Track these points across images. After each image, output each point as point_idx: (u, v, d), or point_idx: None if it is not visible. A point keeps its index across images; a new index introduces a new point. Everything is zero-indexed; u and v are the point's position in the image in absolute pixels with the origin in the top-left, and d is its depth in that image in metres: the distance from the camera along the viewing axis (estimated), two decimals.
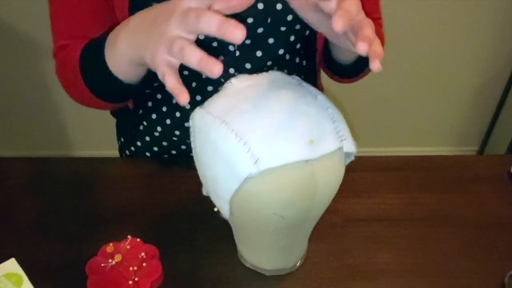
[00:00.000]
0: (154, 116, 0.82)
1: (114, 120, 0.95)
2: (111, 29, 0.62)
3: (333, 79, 0.86)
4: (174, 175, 0.79)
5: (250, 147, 0.47)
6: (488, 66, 1.74)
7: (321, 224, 0.62)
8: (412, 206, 0.75)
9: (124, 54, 0.57)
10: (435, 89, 1.79)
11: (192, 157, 0.57)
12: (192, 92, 0.76)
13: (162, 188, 0.77)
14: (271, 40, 0.72)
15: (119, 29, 0.58)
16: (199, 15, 0.44)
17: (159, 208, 0.74)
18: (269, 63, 0.75)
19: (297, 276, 0.65)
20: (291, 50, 0.76)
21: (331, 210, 0.62)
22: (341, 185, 0.55)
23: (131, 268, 0.62)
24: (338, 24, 0.43)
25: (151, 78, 0.64)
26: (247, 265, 0.66)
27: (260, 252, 0.63)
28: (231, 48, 0.71)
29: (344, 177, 0.55)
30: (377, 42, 0.47)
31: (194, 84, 0.76)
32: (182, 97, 0.45)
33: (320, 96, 0.55)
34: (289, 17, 0.70)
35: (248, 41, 0.71)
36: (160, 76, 0.47)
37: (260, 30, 0.70)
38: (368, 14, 0.79)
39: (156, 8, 0.52)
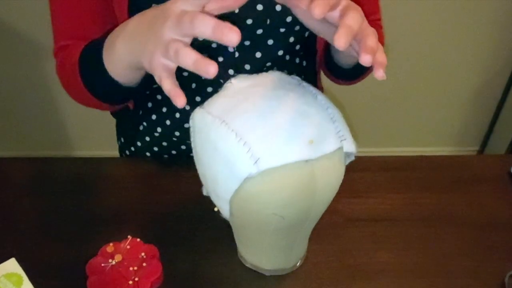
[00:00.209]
0: (154, 116, 0.82)
1: (114, 121, 0.95)
2: (110, 30, 0.62)
3: (330, 79, 0.87)
4: (174, 175, 0.79)
5: (250, 147, 0.47)
6: (488, 66, 1.74)
7: (321, 224, 0.62)
8: (412, 206, 0.75)
9: (123, 59, 0.57)
10: (435, 89, 1.79)
11: (192, 157, 0.57)
12: (192, 93, 0.76)
13: (162, 188, 0.77)
14: (270, 41, 0.72)
15: (117, 32, 0.58)
16: (193, 18, 0.44)
17: (159, 208, 0.74)
18: (268, 64, 0.75)
19: (297, 276, 0.65)
20: (290, 51, 0.76)
21: (331, 210, 0.62)
22: (341, 185, 0.55)
23: (131, 268, 0.62)
24: (341, 42, 0.44)
25: (149, 81, 0.64)
26: (247, 265, 0.66)
27: (260, 252, 0.63)
28: (230, 49, 0.71)
29: (344, 177, 0.55)
30: (380, 51, 0.47)
31: (193, 85, 0.76)
32: (179, 100, 0.46)
33: (320, 96, 0.55)
34: (289, 19, 0.70)
35: (247, 42, 0.71)
36: (157, 80, 0.48)
37: (259, 31, 0.70)
38: (367, 15, 0.79)
39: (152, 11, 0.53)
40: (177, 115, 0.79)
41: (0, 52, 1.64)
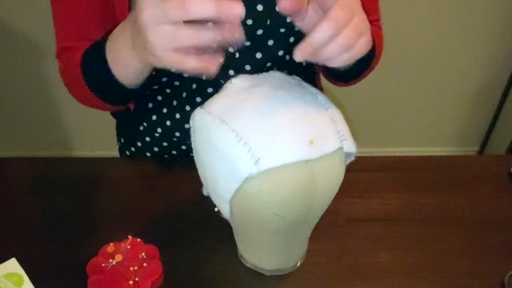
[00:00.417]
0: (154, 117, 0.82)
1: (114, 121, 0.95)
2: (110, 31, 0.62)
3: (328, 81, 0.87)
4: (174, 175, 0.79)
5: (250, 147, 0.48)
6: (488, 67, 1.74)
7: (321, 224, 0.62)
8: (412, 206, 0.75)
9: (130, 65, 0.57)
10: (435, 90, 1.79)
11: (192, 157, 0.57)
12: (192, 94, 0.77)
13: (162, 188, 0.77)
14: (270, 42, 0.72)
15: (117, 37, 0.58)
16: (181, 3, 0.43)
17: (159, 208, 0.74)
18: (268, 64, 0.75)
19: (297, 276, 0.65)
20: (290, 51, 0.76)
21: (332, 210, 0.62)
22: (341, 185, 0.56)
23: (131, 268, 0.62)
24: (297, 55, 0.46)
25: (151, 81, 0.64)
26: (247, 265, 0.66)
27: (260, 252, 0.63)
28: (230, 50, 0.71)
29: (344, 177, 0.55)
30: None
31: (194, 86, 0.76)
32: (213, 65, 0.45)
33: (320, 96, 0.55)
34: (289, 19, 0.70)
35: (247, 43, 0.71)
36: (176, 69, 0.47)
37: (259, 32, 0.70)
38: (367, 16, 0.79)
39: (131, 22, 0.51)
40: (177, 115, 0.79)
41: (0, 52, 1.64)
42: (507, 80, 1.75)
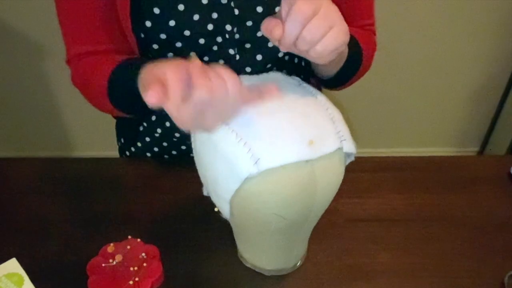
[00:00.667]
0: (153, 117, 0.82)
1: (114, 121, 0.95)
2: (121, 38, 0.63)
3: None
4: (174, 175, 0.79)
5: (250, 148, 0.48)
6: (488, 67, 1.74)
7: (321, 224, 0.62)
8: (412, 206, 0.75)
9: None
10: (435, 90, 1.79)
11: (192, 157, 0.57)
12: None
13: (163, 189, 0.77)
14: (270, 44, 0.72)
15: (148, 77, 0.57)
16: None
17: (159, 208, 0.74)
18: (268, 65, 0.75)
19: (297, 276, 0.65)
20: (290, 52, 0.76)
21: (331, 210, 0.62)
22: (341, 186, 0.56)
23: (131, 268, 0.62)
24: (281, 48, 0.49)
25: None
26: (247, 265, 0.66)
27: (260, 252, 0.63)
28: (231, 51, 0.72)
29: (344, 177, 0.55)
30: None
31: None
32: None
33: (320, 97, 0.55)
34: None
35: (248, 45, 0.71)
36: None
37: (259, 33, 0.70)
38: (360, 20, 0.79)
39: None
40: None
41: (0, 52, 1.64)
42: (507, 81, 1.75)
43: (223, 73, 0.45)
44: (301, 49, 0.50)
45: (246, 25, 0.69)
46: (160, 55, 0.70)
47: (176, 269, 0.65)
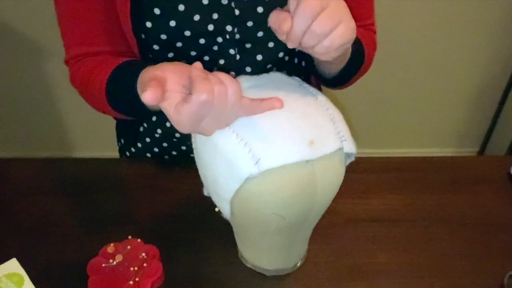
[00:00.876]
0: (154, 118, 0.82)
1: (114, 122, 0.95)
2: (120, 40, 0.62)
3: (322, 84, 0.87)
4: (174, 175, 0.79)
5: (251, 148, 0.48)
6: (488, 67, 1.74)
7: (322, 225, 0.62)
8: (412, 206, 0.75)
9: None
10: (436, 90, 1.79)
11: (192, 157, 0.57)
12: None
13: (163, 189, 0.77)
14: (271, 44, 0.72)
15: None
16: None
17: (159, 208, 0.74)
18: (269, 66, 0.75)
19: (298, 276, 0.65)
20: (290, 52, 0.76)
21: (331, 211, 0.62)
22: (341, 186, 0.56)
23: (131, 269, 0.62)
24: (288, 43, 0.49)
25: None
26: (247, 265, 0.66)
27: (260, 252, 0.63)
28: (231, 51, 0.72)
29: (344, 178, 0.55)
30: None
31: None
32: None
33: (321, 97, 0.55)
34: None
35: (248, 45, 0.72)
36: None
37: (260, 34, 0.70)
38: (361, 20, 0.79)
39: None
40: None
41: (1, 52, 1.64)
42: (507, 81, 1.75)
43: (224, 79, 0.45)
44: (308, 45, 0.50)
45: (246, 25, 0.69)
46: (160, 55, 0.70)
47: (176, 269, 0.65)
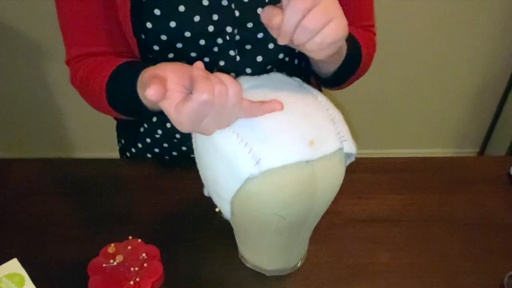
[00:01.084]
0: (154, 119, 0.82)
1: (115, 122, 0.95)
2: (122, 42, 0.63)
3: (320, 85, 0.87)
4: (175, 176, 0.79)
5: (251, 148, 0.48)
6: (488, 67, 1.74)
7: (322, 225, 0.63)
8: (412, 207, 0.76)
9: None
10: (436, 91, 1.79)
11: (193, 158, 0.57)
12: None
13: (163, 189, 0.77)
14: (271, 45, 0.72)
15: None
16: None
17: (160, 209, 0.74)
18: (269, 67, 0.75)
19: (298, 277, 0.65)
20: (290, 53, 0.76)
21: (332, 211, 0.62)
22: (342, 186, 0.56)
23: (132, 269, 0.62)
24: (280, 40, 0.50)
25: None
26: (248, 265, 0.66)
27: (261, 253, 0.63)
28: (231, 53, 0.72)
29: (344, 178, 0.55)
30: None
31: None
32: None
33: (321, 97, 0.55)
34: None
35: (248, 46, 0.72)
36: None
37: (260, 35, 0.70)
38: (360, 21, 0.80)
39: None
40: None
41: (1, 52, 1.64)
42: (507, 81, 1.75)
43: (225, 79, 0.45)
44: (300, 41, 0.50)
45: (246, 26, 0.69)
46: (160, 56, 0.70)
47: (177, 269, 0.65)
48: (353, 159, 0.57)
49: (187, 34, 0.67)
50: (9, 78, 1.70)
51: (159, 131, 0.82)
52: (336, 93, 0.86)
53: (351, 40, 0.69)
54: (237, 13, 0.68)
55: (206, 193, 0.59)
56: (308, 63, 0.83)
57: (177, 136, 0.81)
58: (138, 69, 0.57)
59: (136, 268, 0.62)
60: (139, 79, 0.57)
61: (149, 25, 0.67)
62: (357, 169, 0.66)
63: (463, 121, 1.90)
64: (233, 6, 0.67)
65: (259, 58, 0.73)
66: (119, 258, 0.63)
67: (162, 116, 0.81)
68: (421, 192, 0.78)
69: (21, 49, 1.63)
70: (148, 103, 0.59)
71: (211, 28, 0.68)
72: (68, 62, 0.74)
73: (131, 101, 0.61)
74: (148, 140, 0.85)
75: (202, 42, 0.69)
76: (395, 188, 0.79)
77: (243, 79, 0.57)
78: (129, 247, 0.65)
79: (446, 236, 0.71)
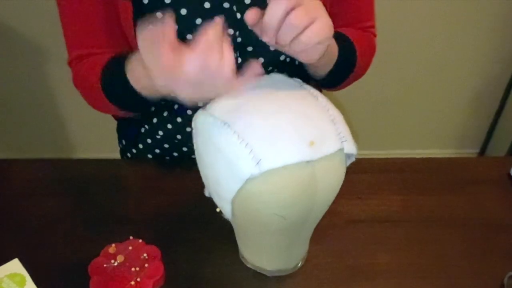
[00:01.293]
0: (155, 120, 0.82)
1: (115, 123, 0.95)
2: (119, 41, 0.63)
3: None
4: (175, 176, 0.80)
5: (252, 149, 0.48)
6: (488, 68, 1.74)
7: (322, 225, 0.63)
8: (412, 207, 0.76)
9: (154, 91, 0.58)
10: (436, 91, 1.80)
11: (194, 158, 0.57)
12: None
13: (164, 190, 0.77)
14: (272, 47, 0.72)
15: (135, 67, 0.59)
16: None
17: (161, 209, 0.74)
18: (270, 68, 0.75)
19: (298, 277, 0.65)
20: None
21: (332, 211, 0.62)
22: (342, 187, 0.56)
23: (133, 269, 0.62)
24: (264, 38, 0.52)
25: None
26: (248, 265, 0.66)
27: (261, 253, 0.64)
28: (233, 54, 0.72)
29: (344, 178, 0.56)
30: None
31: None
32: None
33: (321, 98, 0.55)
34: None
35: (250, 48, 0.72)
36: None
37: None
38: (360, 22, 0.79)
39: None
40: (179, 119, 0.79)
41: (1, 53, 1.65)
42: (507, 82, 1.75)
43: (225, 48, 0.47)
44: (285, 39, 0.50)
45: (248, 28, 0.69)
46: None
47: (177, 269, 0.65)
48: (353, 159, 0.57)
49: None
50: (9, 78, 1.70)
51: (160, 132, 0.82)
52: (337, 93, 0.86)
53: (345, 42, 0.69)
54: (238, 16, 0.68)
55: (206, 194, 0.59)
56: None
57: (178, 137, 0.81)
58: (129, 57, 0.59)
59: (137, 268, 0.62)
60: (128, 67, 0.59)
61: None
62: (357, 170, 0.66)
63: (464, 122, 1.90)
64: (234, 8, 0.68)
65: (261, 60, 0.73)
66: (120, 258, 0.63)
67: (162, 117, 0.81)
68: (421, 192, 0.78)
69: (21, 49, 1.63)
70: (142, 89, 0.61)
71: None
72: (70, 63, 0.74)
73: (126, 91, 0.62)
74: (149, 140, 0.85)
75: None
76: (395, 188, 0.79)
77: None
78: (130, 247, 0.65)
79: (446, 236, 0.71)
